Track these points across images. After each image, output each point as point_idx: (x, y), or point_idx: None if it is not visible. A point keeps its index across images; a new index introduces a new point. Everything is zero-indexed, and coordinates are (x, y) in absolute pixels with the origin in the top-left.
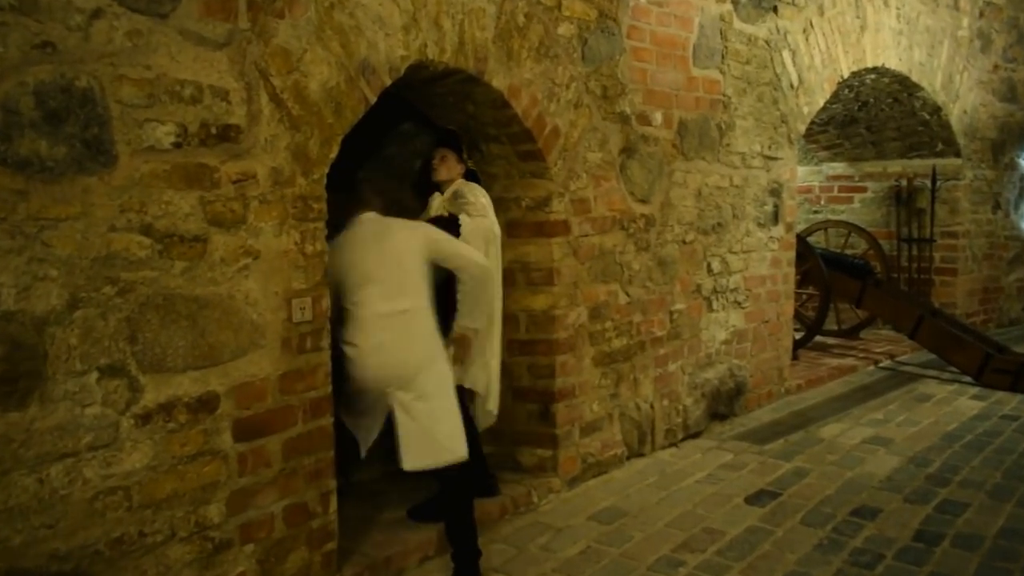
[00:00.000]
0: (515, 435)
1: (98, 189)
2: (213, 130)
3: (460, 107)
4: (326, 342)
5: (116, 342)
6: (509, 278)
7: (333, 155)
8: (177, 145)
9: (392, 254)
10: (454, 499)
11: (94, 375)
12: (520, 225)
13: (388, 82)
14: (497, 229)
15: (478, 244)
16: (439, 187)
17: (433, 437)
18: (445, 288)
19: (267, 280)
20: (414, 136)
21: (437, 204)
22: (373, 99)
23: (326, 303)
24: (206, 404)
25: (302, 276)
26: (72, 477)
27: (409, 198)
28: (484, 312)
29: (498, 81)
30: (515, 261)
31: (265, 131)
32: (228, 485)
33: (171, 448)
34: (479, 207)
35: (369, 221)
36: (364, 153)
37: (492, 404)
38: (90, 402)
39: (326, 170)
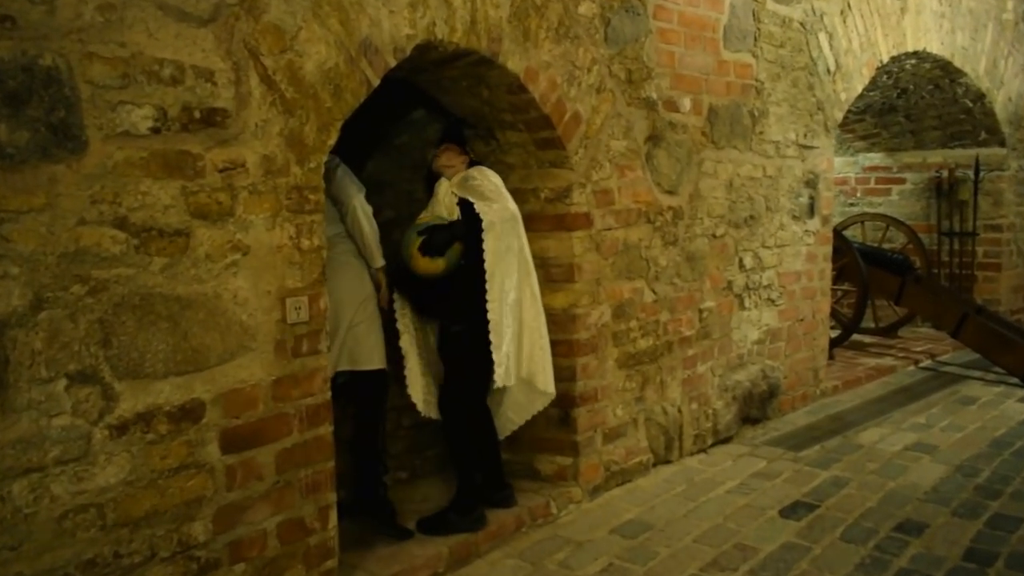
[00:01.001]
0: (533, 441)
1: (66, 178)
2: (196, 114)
3: (474, 92)
4: (324, 344)
5: (87, 346)
6: None
7: (332, 142)
8: (155, 130)
9: None
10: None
11: (62, 382)
12: (539, 218)
13: (393, 63)
14: (514, 207)
15: (503, 229)
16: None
17: (340, 349)
18: (445, 283)
19: (258, 278)
20: (426, 124)
21: (444, 189)
22: (376, 81)
23: (324, 302)
24: (190, 413)
25: (298, 273)
26: (38, 494)
27: (420, 190)
28: (376, 251)
29: (513, 63)
30: (533, 256)
31: (256, 115)
32: (215, 500)
33: (150, 461)
34: (492, 187)
35: None
36: (374, 142)
37: (542, 383)
38: (58, 412)
39: (324, 158)
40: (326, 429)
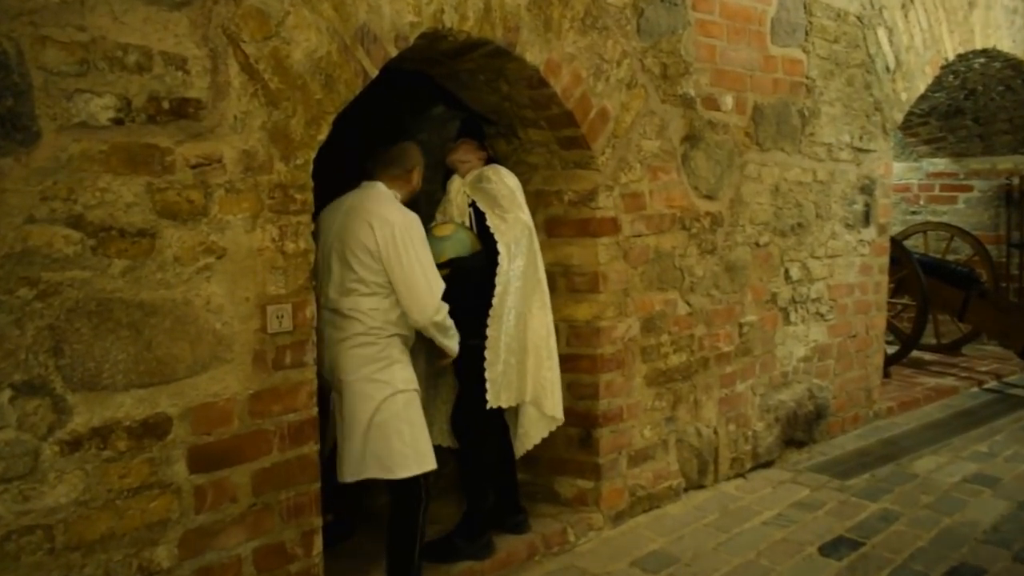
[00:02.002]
0: (552, 462)
1: (13, 172)
2: (165, 104)
3: (492, 86)
4: (311, 356)
5: (35, 355)
6: (548, 283)
7: (322, 136)
8: (118, 121)
9: (347, 239)
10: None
11: (6, 393)
12: (562, 223)
13: (394, 52)
14: (528, 218)
15: (516, 246)
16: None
17: (363, 451)
18: (459, 296)
19: (235, 283)
20: (447, 121)
21: (456, 188)
22: (374, 72)
23: (311, 310)
24: (153, 429)
25: (281, 279)
26: None
27: (440, 190)
28: (454, 346)
29: (533, 55)
30: (555, 264)
31: (235, 107)
32: (182, 523)
33: (107, 480)
34: (506, 192)
35: (360, 191)
36: (392, 139)
37: (550, 408)
38: (1, 425)
39: (313, 154)
40: (311, 448)
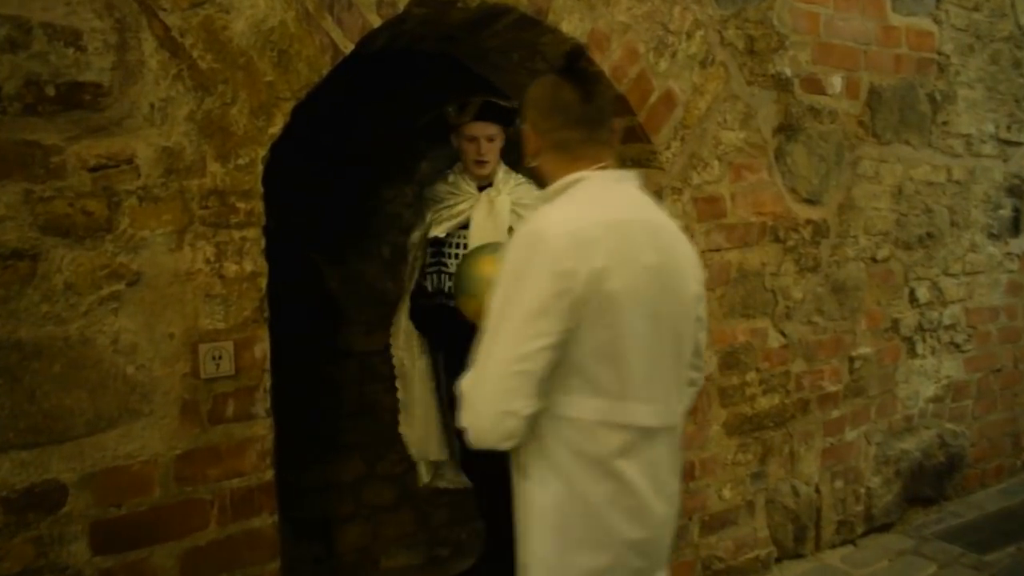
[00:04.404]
0: None
1: None
2: (50, 91)
3: (527, 66)
4: (262, 407)
5: None
6: None
7: (275, 130)
8: None
9: (674, 307)
10: None
11: None
12: None
13: (376, 22)
14: None
15: None
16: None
17: None
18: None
19: (154, 316)
20: None
21: (503, 208)
22: (348, 47)
23: (261, 349)
24: (41, 500)
25: (219, 310)
26: None
27: None
28: None
29: (571, 25)
30: None
31: (151, 93)
32: None
33: None
34: None
35: (631, 193)
36: (432, 135)
37: None
38: None
39: (263, 152)
40: (264, 520)
